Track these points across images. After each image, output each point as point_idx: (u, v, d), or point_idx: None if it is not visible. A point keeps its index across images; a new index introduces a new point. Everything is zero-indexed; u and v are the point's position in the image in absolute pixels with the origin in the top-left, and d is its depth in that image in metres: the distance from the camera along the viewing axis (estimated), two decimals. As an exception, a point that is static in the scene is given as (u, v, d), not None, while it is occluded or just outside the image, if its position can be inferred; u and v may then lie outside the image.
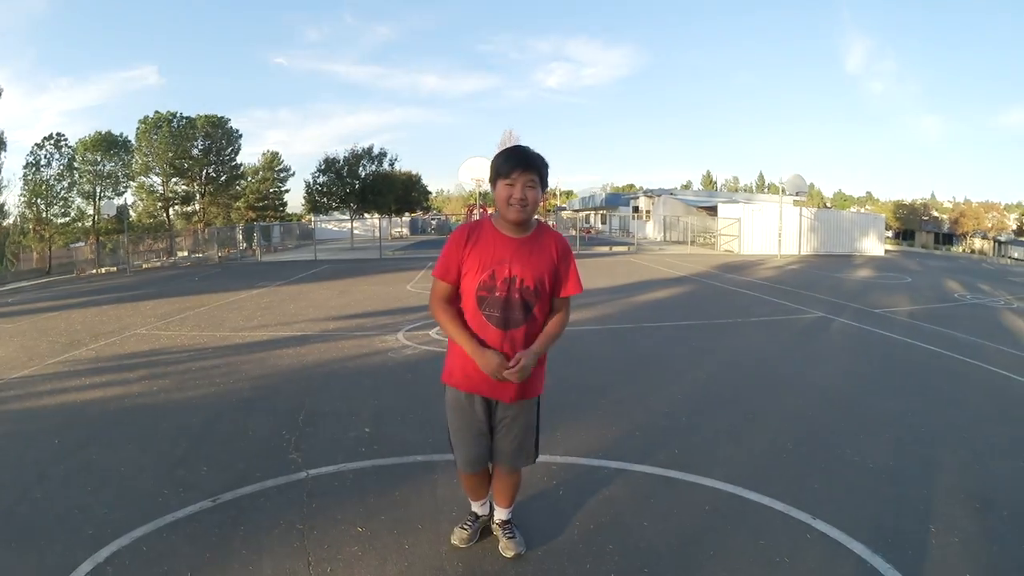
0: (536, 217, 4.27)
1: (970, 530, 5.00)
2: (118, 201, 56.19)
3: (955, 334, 13.18)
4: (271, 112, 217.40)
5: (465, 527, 4.80)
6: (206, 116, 67.05)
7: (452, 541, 4.74)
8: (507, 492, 4.73)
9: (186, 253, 52.50)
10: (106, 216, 54.02)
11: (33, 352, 12.23)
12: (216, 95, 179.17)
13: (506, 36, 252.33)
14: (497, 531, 4.84)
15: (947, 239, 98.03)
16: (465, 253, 4.17)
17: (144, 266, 44.04)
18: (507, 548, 4.67)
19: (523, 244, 4.20)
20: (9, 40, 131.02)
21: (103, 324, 15.69)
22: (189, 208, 69.04)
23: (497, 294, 4.11)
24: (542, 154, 4.14)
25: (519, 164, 4.05)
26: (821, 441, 6.94)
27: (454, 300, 4.27)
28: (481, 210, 53.86)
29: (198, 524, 5.15)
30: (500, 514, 4.84)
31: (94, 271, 42.20)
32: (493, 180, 4.18)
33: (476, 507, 4.87)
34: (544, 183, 4.16)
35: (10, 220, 51.11)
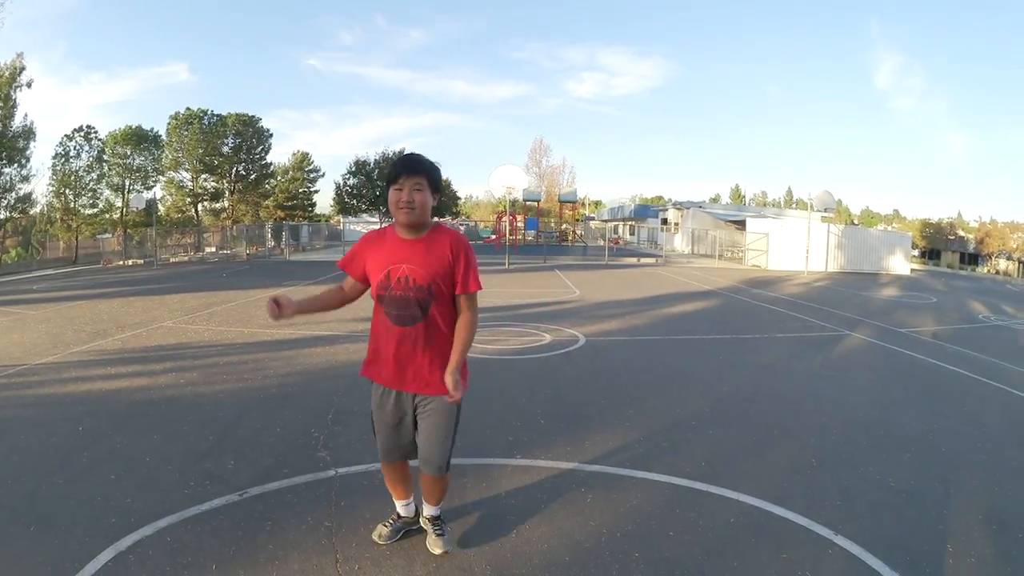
0: (436, 220, 4.42)
1: (986, 551, 5.02)
2: (147, 195, 56.39)
3: (978, 355, 13.12)
4: (302, 113, 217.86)
5: (386, 524, 4.93)
6: (237, 114, 67.14)
7: (372, 536, 4.87)
8: (433, 492, 4.78)
9: (214, 249, 52.78)
10: (135, 209, 54.15)
11: (58, 339, 12.35)
12: (247, 94, 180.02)
13: (538, 44, 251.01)
14: (426, 525, 4.90)
15: (972, 259, 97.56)
16: (366, 252, 4.49)
17: (171, 260, 44.29)
18: (435, 544, 4.74)
19: (417, 244, 4.36)
20: (40, 33, 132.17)
21: (129, 315, 15.83)
22: (218, 205, 69.17)
23: (393, 292, 4.31)
24: (433, 160, 4.36)
25: (404, 169, 4.25)
26: (844, 458, 6.93)
27: (351, 290, 4.65)
28: (511, 218, 53.90)
29: (224, 517, 5.19)
30: (428, 510, 4.89)
31: (121, 263, 42.41)
32: (386, 187, 4.34)
33: (399, 507, 4.94)
34: (434, 186, 4.34)
35: (37, 209, 51.33)
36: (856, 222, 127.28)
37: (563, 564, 4.60)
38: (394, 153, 57.04)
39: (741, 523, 5.35)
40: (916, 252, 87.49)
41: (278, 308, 4.29)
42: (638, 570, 4.55)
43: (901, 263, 44.16)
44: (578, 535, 5.05)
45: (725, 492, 5.92)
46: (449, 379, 4.25)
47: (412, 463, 4.68)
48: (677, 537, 5.05)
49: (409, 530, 4.96)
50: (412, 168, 4.24)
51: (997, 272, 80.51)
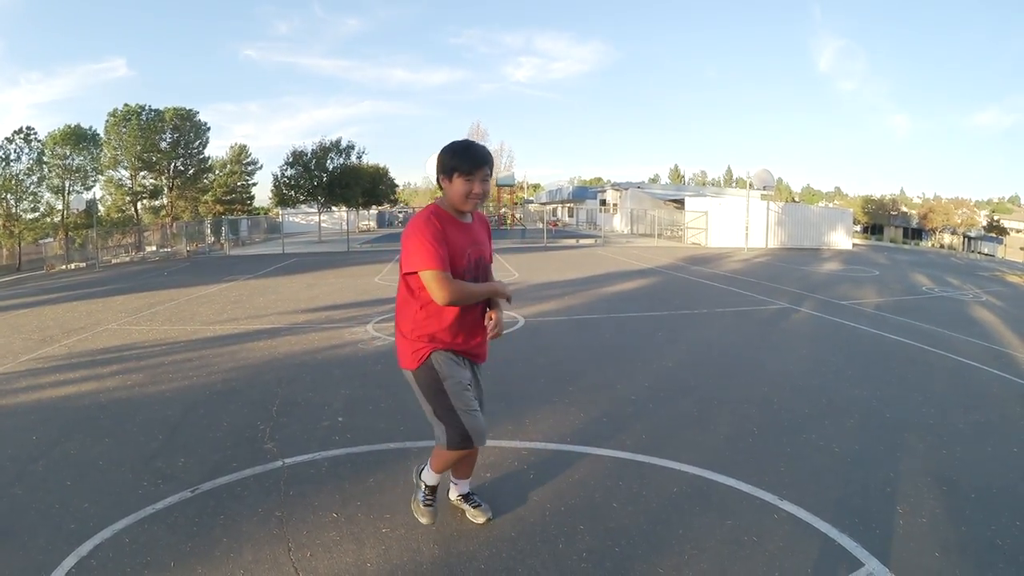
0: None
1: (937, 511, 5.14)
2: (87, 195, 55.63)
3: (922, 325, 13.38)
4: (239, 105, 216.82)
5: (429, 503, 4.88)
6: (175, 109, 66.21)
7: (422, 521, 4.83)
8: (471, 464, 5.01)
9: (154, 248, 52.16)
10: (75, 211, 53.34)
11: (7, 350, 12.18)
12: (185, 88, 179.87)
13: (475, 30, 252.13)
14: (462, 503, 5.06)
15: (916, 234, 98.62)
16: (446, 243, 4.25)
17: (113, 261, 43.81)
18: (477, 515, 4.94)
19: (474, 228, 4.55)
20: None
21: (75, 320, 15.62)
22: (157, 202, 68.27)
23: (473, 273, 4.42)
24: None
25: (479, 161, 4.27)
26: (787, 426, 7.07)
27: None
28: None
29: (178, 514, 5.20)
30: (464, 487, 5.09)
31: (64, 267, 41.94)
32: (449, 173, 4.29)
33: (434, 479, 4.88)
34: (492, 174, 4.43)
35: (-21, 217, 50.63)
36: (797, 199, 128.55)
37: (509, 539, 4.69)
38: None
39: (684, 492, 5.46)
40: (858, 228, 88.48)
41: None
42: (583, 541, 4.65)
43: (843, 238, 44.78)
44: (522, 511, 5.14)
45: (667, 463, 6.03)
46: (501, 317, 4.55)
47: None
48: (621, 508, 5.15)
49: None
50: (484, 159, 4.31)
51: (941, 246, 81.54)
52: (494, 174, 4.67)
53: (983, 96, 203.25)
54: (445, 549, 4.58)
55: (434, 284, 4.15)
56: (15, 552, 4.72)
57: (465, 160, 4.25)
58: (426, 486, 4.89)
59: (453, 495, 5.15)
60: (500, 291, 4.48)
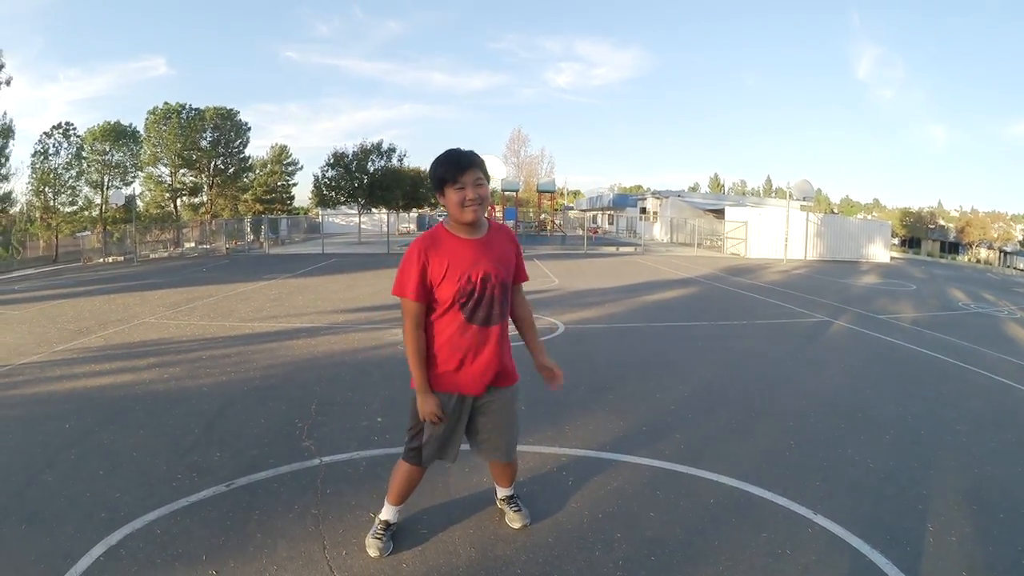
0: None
1: (967, 530, 5.08)
2: (126, 191, 56.00)
3: (957, 341, 13.22)
4: (280, 106, 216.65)
5: (377, 536, 4.65)
6: (215, 108, 66.78)
7: (369, 552, 4.59)
8: (506, 475, 4.99)
9: (193, 244, 52.56)
10: (114, 205, 53.74)
11: (42, 339, 12.31)
12: (225, 88, 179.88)
13: (516, 35, 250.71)
14: (503, 505, 5.08)
15: (953, 248, 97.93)
16: (429, 265, 4.19)
17: (151, 256, 44.13)
18: (514, 520, 4.93)
19: (485, 243, 4.32)
20: (17, 29, 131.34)
21: (111, 312, 15.79)
22: (197, 199, 68.79)
23: (478, 295, 4.23)
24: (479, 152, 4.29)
25: (462, 165, 4.14)
26: (822, 441, 7.02)
27: (423, 319, 4.30)
28: (490, 208, 53.85)
29: (212, 508, 5.22)
30: (503, 492, 5.08)
31: (101, 260, 42.19)
32: (440, 187, 4.22)
33: (391, 514, 4.75)
34: (488, 178, 4.30)
35: (17, 208, 51.07)
36: (836, 211, 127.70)
37: (546, 545, 4.68)
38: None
39: (721, 503, 5.43)
40: (896, 241, 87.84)
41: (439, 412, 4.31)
42: (620, 550, 4.63)
43: (881, 251, 44.34)
44: (560, 517, 5.13)
45: (705, 474, 6.00)
46: (551, 363, 4.64)
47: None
48: (658, 517, 5.13)
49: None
50: (469, 163, 4.16)
51: (977, 261, 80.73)
52: (496, 181, 4.60)
53: (1020, 107, 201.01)
54: (482, 553, 4.57)
55: (403, 311, 4.30)
56: (43, 538, 4.76)
57: (450, 168, 4.15)
58: (379, 519, 4.78)
59: (499, 496, 5.15)
60: (423, 401, 4.29)
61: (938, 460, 6.57)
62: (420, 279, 4.17)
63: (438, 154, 4.27)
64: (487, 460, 4.85)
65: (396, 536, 4.73)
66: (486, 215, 4.41)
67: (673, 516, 5.17)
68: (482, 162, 4.25)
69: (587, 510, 5.25)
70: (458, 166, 4.13)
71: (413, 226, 75.41)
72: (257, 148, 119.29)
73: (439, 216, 78.61)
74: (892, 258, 47.56)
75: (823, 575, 4.37)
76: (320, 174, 55.64)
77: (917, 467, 6.36)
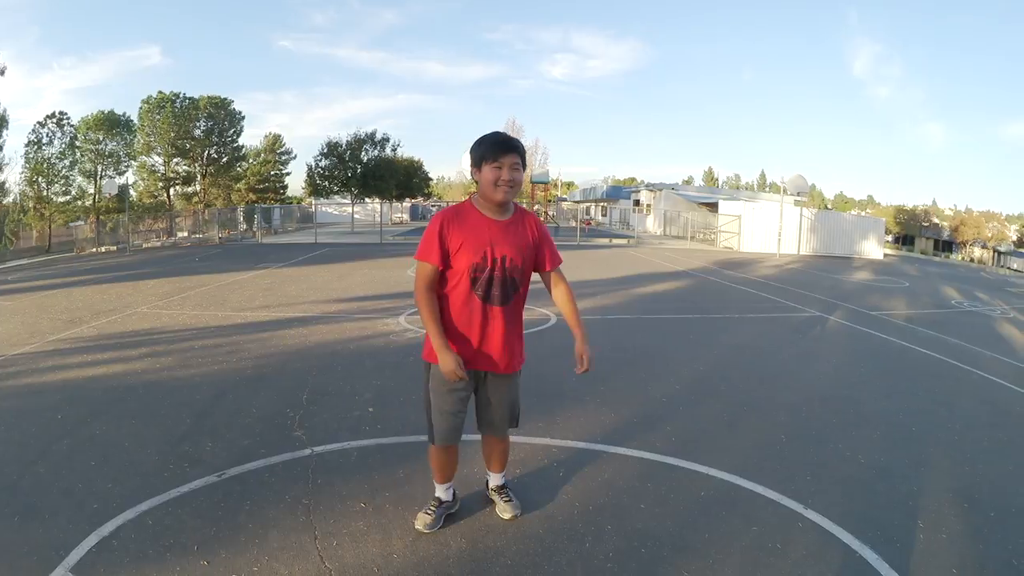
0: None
1: (957, 527, 5.11)
2: (119, 180, 55.88)
3: (950, 339, 13.26)
4: (274, 95, 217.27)
5: (429, 512, 4.84)
6: (209, 97, 66.59)
7: (416, 526, 4.78)
8: (500, 458, 5.06)
9: (186, 233, 52.36)
10: (107, 195, 53.65)
11: (34, 329, 12.27)
12: (219, 77, 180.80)
13: (512, 26, 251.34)
14: (494, 495, 5.11)
15: (947, 246, 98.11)
16: (449, 235, 4.35)
17: (144, 245, 43.96)
18: (505, 510, 4.96)
19: (508, 226, 4.47)
20: (12, 19, 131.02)
21: (104, 302, 15.73)
22: (190, 189, 68.58)
23: (492, 273, 4.37)
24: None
25: (505, 148, 4.29)
26: (813, 435, 7.05)
27: (436, 286, 4.41)
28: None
29: (204, 498, 5.22)
30: (495, 480, 5.14)
31: (94, 250, 42.03)
32: (478, 164, 4.36)
33: (441, 491, 4.96)
34: (525, 166, 4.39)
35: (10, 198, 50.88)
36: (829, 207, 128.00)
37: (536, 536, 4.69)
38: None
39: (712, 496, 5.45)
40: (890, 238, 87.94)
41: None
42: (610, 541, 4.64)
43: (874, 248, 44.41)
44: (551, 508, 5.15)
45: (696, 466, 6.02)
46: (587, 349, 4.75)
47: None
48: (649, 510, 5.15)
49: (449, 513, 4.99)
50: (512, 146, 4.32)
51: (971, 260, 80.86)
52: (528, 169, 4.69)
53: (1016, 107, 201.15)
54: (472, 543, 4.58)
55: (416, 272, 4.47)
56: (35, 529, 4.74)
57: (493, 147, 4.29)
58: (433, 496, 4.98)
59: (490, 485, 5.19)
60: (444, 360, 4.27)
61: (930, 457, 6.60)
62: (440, 247, 4.34)
63: (483, 134, 4.41)
64: (482, 433, 4.94)
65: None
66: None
67: (664, 508, 5.19)
68: (524, 151, 4.40)
69: (578, 501, 5.27)
70: (501, 147, 4.28)
71: (406, 216, 75.46)
72: (251, 137, 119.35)
73: (432, 206, 78.86)
74: (885, 255, 47.63)
75: (813, 569, 4.39)
76: (313, 163, 55.58)
77: (908, 464, 6.39)
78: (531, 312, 13.88)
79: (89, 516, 4.91)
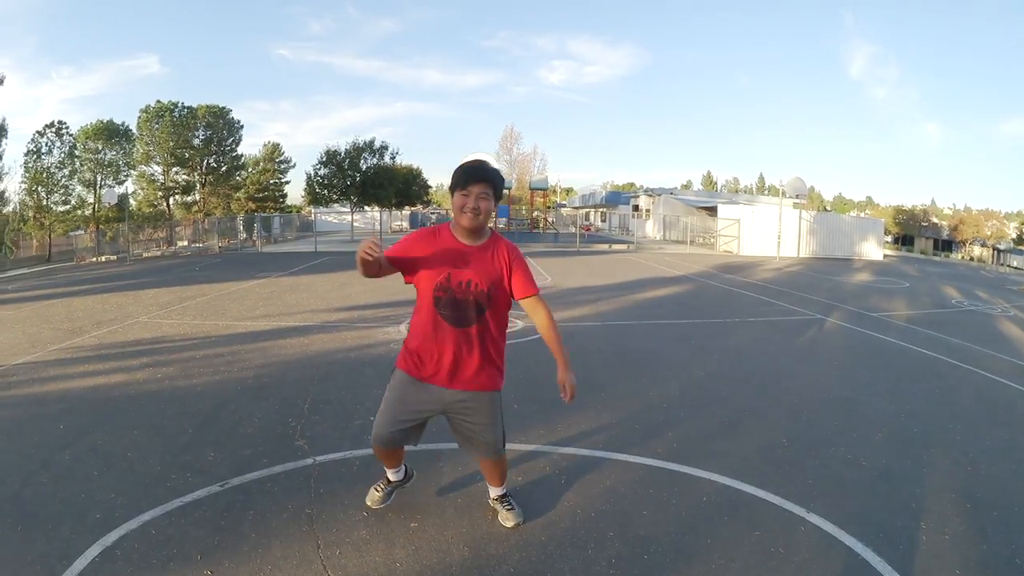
0: (489, 226, 4.55)
1: (960, 529, 5.11)
2: (119, 190, 55.99)
3: (951, 339, 13.27)
4: (272, 104, 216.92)
5: (378, 489, 5.18)
6: (207, 106, 66.74)
7: (366, 502, 5.14)
8: (495, 475, 5.06)
9: (186, 243, 52.46)
10: (107, 204, 53.81)
11: (35, 339, 12.26)
12: (218, 86, 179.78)
13: (509, 32, 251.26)
14: (496, 504, 5.13)
15: (946, 246, 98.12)
16: (418, 247, 4.54)
17: (144, 255, 44.02)
18: (507, 519, 4.98)
19: (478, 251, 4.54)
20: (10, 28, 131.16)
21: (105, 312, 15.72)
22: (189, 198, 68.70)
23: (453, 295, 4.46)
24: (499, 170, 4.47)
25: (474, 177, 4.40)
26: (815, 439, 7.04)
27: (387, 269, 4.44)
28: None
29: (206, 508, 5.22)
30: (494, 492, 5.15)
31: (94, 259, 42.13)
32: (452, 190, 4.49)
33: (391, 474, 5.20)
34: (498, 195, 4.51)
35: (10, 208, 50.93)
36: (828, 208, 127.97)
37: (539, 543, 4.69)
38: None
39: (714, 501, 5.45)
40: (889, 238, 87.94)
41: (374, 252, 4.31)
42: (613, 547, 4.65)
43: (874, 249, 44.53)
44: (553, 515, 5.15)
45: (697, 472, 6.02)
46: (570, 377, 4.73)
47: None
48: (651, 516, 5.15)
49: (400, 489, 5.25)
50: (481, 176, 4.41)
51: (971, 259, 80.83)
52: (520, 178, 4.72)
53: (1014, 106, 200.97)
54: (475, 551, 4.58)
55: None
56: (38, 540, 4.73)
57: (463, 175, 4.42)
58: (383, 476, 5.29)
59: (491, 495, 5.19)
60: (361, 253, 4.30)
61: (931, 458, 6.60)
62: (404, 250, 4.55)
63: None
64: (476, 459, 5.02)
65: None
66: (491, 226, 4.55)
67: (666, 514, 5.19)
68: (496, 179, 4.49)
69: (580, 508, 5.27)
70: (470, 176, 4.40)
71: (406, 224, 75.40)
72: (250, 146, 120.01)
73: (431, 214, 78.90)
74: (885, 256, 47.74)
75: (816, 573, 4.39)
76: (312, 172, 55.48)
77: (910, 465, 6.39)
78: (529, 319, 13.87)
79: (92, 526, 4.91)
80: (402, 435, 4.73)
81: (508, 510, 5.02)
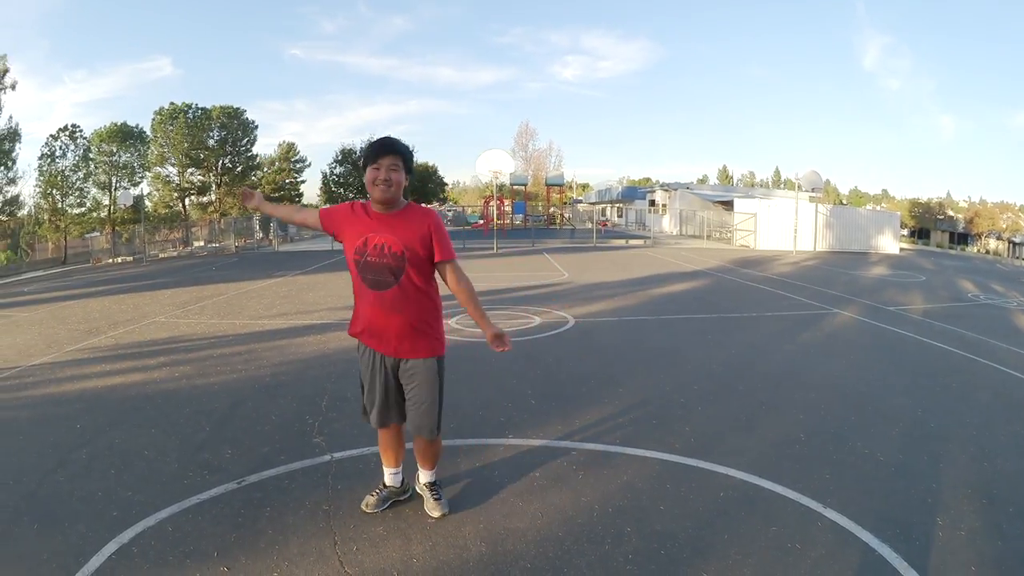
0: (405, 200, 4.75)
1: (976, 524, 5.07)
2: (134, 191, 56.22)
3: (967, 333, 13.20)
4: (286, 103, 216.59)
5: (373, 493, 5.20)
6: (221, 107, 66.88)
7: (361, 506, 5.13)
8: (426, 456, 5.13)
9: (202, 243, 52.62)
10: (122, 206, 54.03)
11: (52, 340, 12.34)
12: (231, 86, 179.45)
13: (521, 28, 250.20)
14: (423, 491, 5.20)
15: (962, 239, 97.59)
16: (343, 213, 4.91)
17: (160, 256, 44.13)
18: (433, 508, 5.04)
19: (393, 217, 4.71)
20: (23, 33, 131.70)
21: (121, 312, 15.83)
22: (205, 199, 68.87)
23: (369, 259, 4.65)
24: (409, 144, 4.64)
25: (383, 150, 4.62)
26: (832, 433, 7.01)
27: (311, 220, 5.18)
28: (498, 202, 53.73)
29: (224, 505, 5.25)
30: (424, 476, 5.20)
31: (110, 261, 42.23)
32: (364, 166, 4.70)
33: (387, 476, 5.27)
34: (407, 167, 4.73)
35: (25, 211, 51.09)
36: (844, 202, 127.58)
37: (556, 539, 4.69)
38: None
39: (731, 497, 5.44)
40: (905, 232, 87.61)
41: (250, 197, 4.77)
42: (630, 543, 4.64)
43: (890, 242, 44.24)
44: (570, 511, 5.14)
45: (714, 467, 6.01)
46: (497, 331, 4.80)
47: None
48: (668, 511, 5.14)
49: (397, 501, 5.21)
50: (389, 149, 4.61)
51: (987, 252, 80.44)
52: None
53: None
54: (492, 547, 4.59)
55: None
56: (55, 537, 4.77)
57: (372, 150, 4.66)
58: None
59: (420, 481, 5.25)
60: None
61: (948, 453, 6.56)
62: (334, 212, 5.02)
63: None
64: (412, 434, 5.00)
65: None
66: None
67: (683, 510, 5.18)
68: (405, 152, 4.73)
69: (597, 504, 5.26)
70: (379, 149, 4.63)
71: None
72: (264, 146, 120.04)
73: (448, 211, 78.94)
74: (901, 249, 47.46)
75: (833, 569, 4.37)
76: (328, 171, 55.72)
77: (927, 460, 6.36)
78: (548, 314, 13.99)
79: (108, 524, 4.94)
80: (384, 410, 4.88)
81: (435, 500, 5.08)
